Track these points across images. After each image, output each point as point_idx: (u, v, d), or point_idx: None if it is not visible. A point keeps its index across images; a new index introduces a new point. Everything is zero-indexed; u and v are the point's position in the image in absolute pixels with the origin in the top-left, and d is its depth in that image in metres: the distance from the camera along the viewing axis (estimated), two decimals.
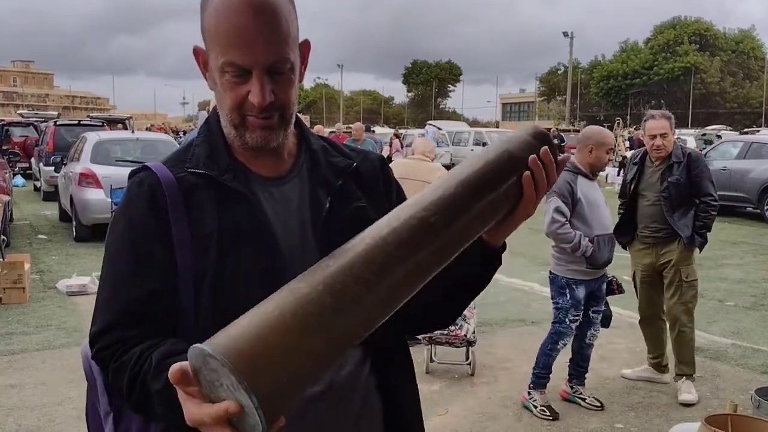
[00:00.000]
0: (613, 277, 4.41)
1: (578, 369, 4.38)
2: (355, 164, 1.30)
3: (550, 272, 4.25)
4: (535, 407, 4.15)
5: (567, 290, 4.11)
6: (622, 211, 4.76)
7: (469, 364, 4.92)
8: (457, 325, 4.80)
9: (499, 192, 1.07)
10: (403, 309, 1.14)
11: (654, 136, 4.40)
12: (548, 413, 4.11)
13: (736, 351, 5.46)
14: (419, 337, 4.95)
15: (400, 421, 1.27)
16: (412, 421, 1.31)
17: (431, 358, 4.94)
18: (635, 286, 4.76)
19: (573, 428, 4.05)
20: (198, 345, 0.87)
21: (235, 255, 1.15)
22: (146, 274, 1.14)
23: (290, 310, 0.89)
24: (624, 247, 4.77)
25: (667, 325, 4.63)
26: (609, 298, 4.44)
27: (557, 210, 4.01)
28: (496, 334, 5.84)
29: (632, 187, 4.58)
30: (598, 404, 4.32)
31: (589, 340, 4.32)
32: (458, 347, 4.90)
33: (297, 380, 0.88)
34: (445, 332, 4.78)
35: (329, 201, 1.24)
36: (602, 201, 4.22)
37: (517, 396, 4.32)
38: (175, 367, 0.91)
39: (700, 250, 4.51)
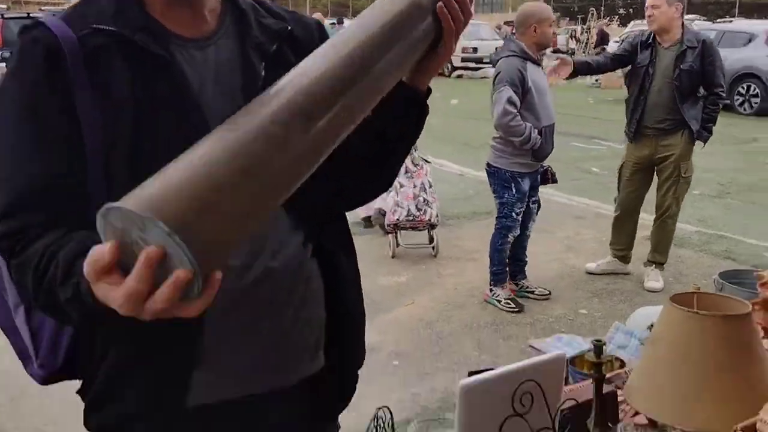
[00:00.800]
0: (549, 166, 4.25)
1: (519, 264, 4.35)
2: (289, 27, 1.15)
3: (490, 165, 4.09)
4: (499, 302, 4.15)
5: (512, 183, 4.00)
6: (598, 56, 4.73)
7: (433, 246, 5.08)
8: (421, 210, 4.99)
9: (419, 29, 1.01)
10: (335, 179, 1.06)
11: (647, 6, 4.24)
12: (513, 305, 4.13)
13: (700, 238, 5.51)
14: (386, 224, 4.99)
15: (342, 300, 1.22)
16: (353, 299, 1.26)
17: (397, 243, 5.06)
18: (619, 178, 4.59)
19: (538, 315, 4.09)
20: (108, 206, 0.73)
21: (152, 123, 1.00)
22: (48, 150, 0.98)
23: (220, 151, 0.79)
24: (631, 141, 4.47)
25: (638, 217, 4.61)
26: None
27: (509, 101, 3.79)
28: (463, 226, 5.82)
29: (649, 71, 4.25)
30: (547, 293, 4.34)
31: (529, 230, 4.30)
32: (421, 230, 5.10)
33: (229, 228, 0.77)
34: (410, 218, 4.97)
35: (263, 67, 1.09)
36: (548, 88, 4.04)
37: (483, 286, 4.32)
38: (91, 262, 0.75)
39: (704, 145, 4.38)
